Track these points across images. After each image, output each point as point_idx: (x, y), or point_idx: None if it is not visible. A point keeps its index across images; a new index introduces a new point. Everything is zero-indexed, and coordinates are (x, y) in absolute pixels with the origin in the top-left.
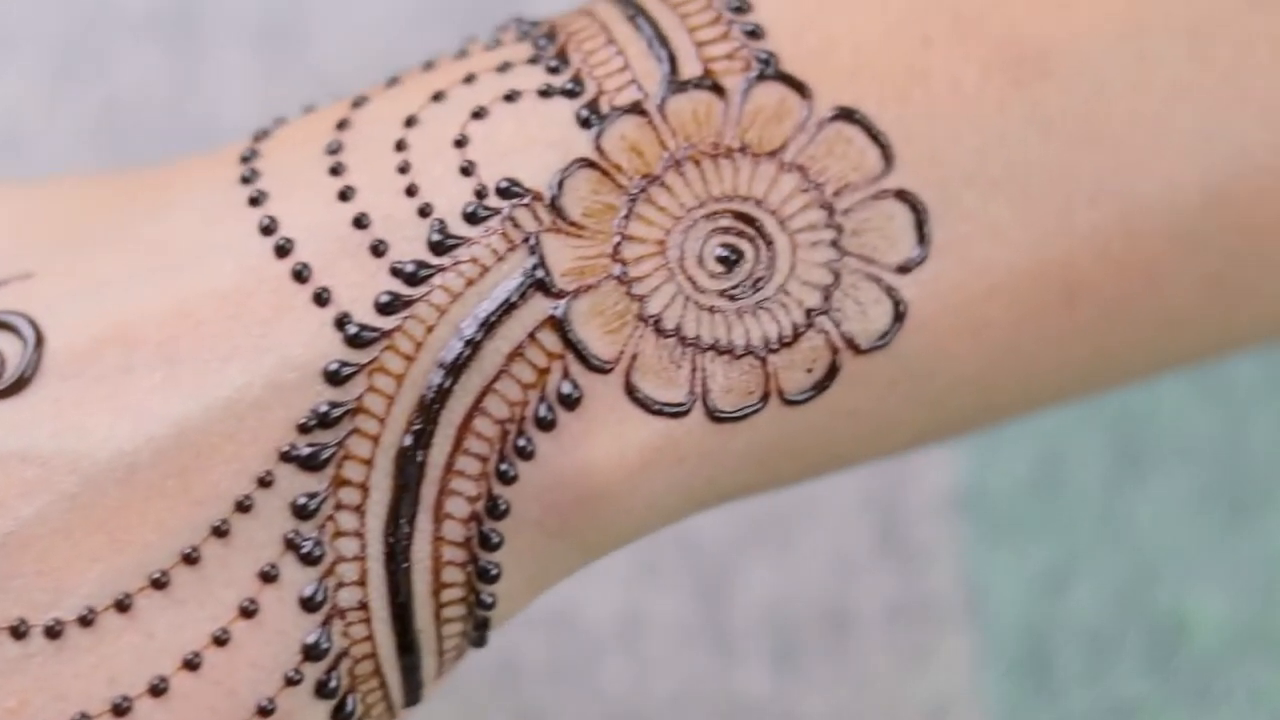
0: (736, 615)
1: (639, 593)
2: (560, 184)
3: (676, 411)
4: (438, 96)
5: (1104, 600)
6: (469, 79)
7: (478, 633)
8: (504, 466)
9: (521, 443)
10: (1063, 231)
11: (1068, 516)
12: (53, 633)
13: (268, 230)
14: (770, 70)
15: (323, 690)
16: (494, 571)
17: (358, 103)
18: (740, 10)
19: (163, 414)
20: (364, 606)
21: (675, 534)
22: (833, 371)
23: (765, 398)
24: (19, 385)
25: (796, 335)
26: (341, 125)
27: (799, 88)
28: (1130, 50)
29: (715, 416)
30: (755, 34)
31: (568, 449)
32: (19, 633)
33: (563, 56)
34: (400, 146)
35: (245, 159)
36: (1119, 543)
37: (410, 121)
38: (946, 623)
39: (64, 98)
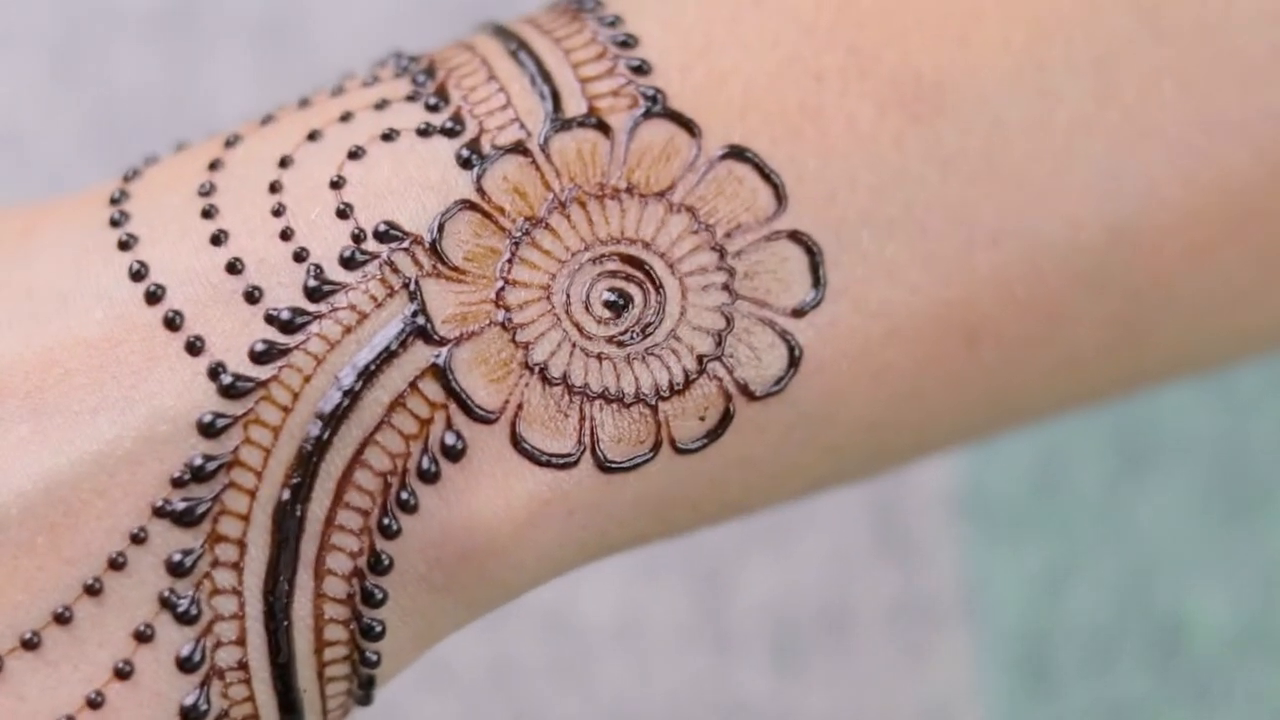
0: (736, 615)
1: (638, 592)
2: (440, 227)
3: (564, 462)
4: (313, 136)
5: (1103, 600)
6: (345, 117)
7: (363, 691)
8: (386, 520)
9: (404, 495)
10: (963, 272)
11: (1067, 516)
12: None
13: (138, 276)
14: (657, 108)
15: None
16: (377, 629)
17: (230, 141)
18: (626, 45)
19: (31, 469)
20: (244, 666)
21: None
22: (726, 419)
23: (656, 447)
24: None
25: (688, 382)
26: (214, 165)
27: (687, 126)
28: (1030, 85)
29: (605, 467)
30: (641, 69)
31: (452, 502)
32: None
33: (442, 94)
34: (274, 188)
35: (115, 200)
36: (1119, 543)
37: (285, 162)
38: (946, 622)
39: (62, 96)
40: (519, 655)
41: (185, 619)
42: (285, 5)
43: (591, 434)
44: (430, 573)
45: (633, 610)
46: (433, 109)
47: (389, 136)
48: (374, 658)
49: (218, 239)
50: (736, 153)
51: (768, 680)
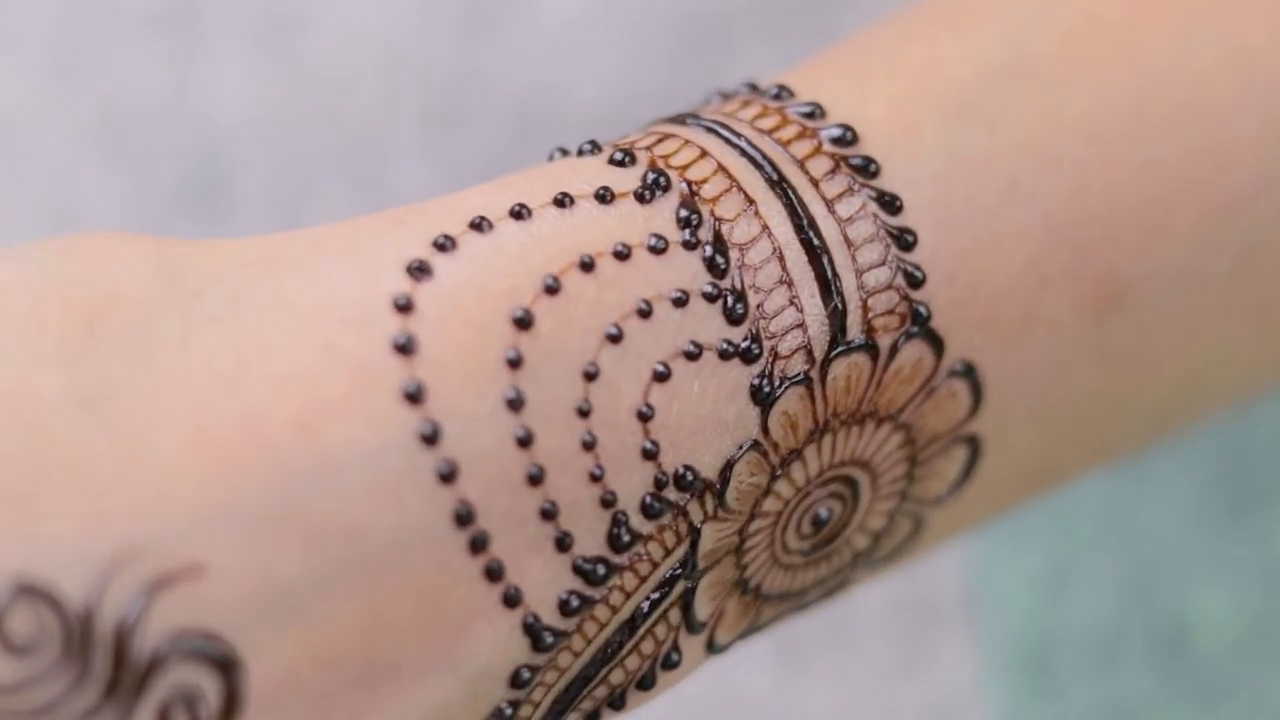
0: None
1: None
2: (728, 473)
3: (726, 647)
4: (615, 336)
5: (1105, 600)
6: (644, 312)
7: None
8: (595, 713)
9: (618, 698)
10: (1093, 458)
11: (1069, 516)
12: None
13: (462, 521)
14: (919, 328)
15: None
16: None
17: (522, 323)
18: (904, 244)
19: None
20: None
21: None
22: (844, 586)
23: (793, 612)
24: None
25: (838, 581)
26: (515, 364)
27: (937, 345)
28: (1190, 275)
29: (740, 638)
30: (914, 280)
31: (646, 698)
32: None
33: (740, 296)
34: (583, 414)
35: (413, 396)
36: (1121, 542)
37: (590, 376)
38: (948, 621)
39: (63, 96)
40: None
41: None
42: (286, 5)
43: (756, 623)
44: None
45: None
46: (732, 319)
47: (692, 355)
48: None
49: (535, 479)
50: (966, 371)
51: (769, 679)
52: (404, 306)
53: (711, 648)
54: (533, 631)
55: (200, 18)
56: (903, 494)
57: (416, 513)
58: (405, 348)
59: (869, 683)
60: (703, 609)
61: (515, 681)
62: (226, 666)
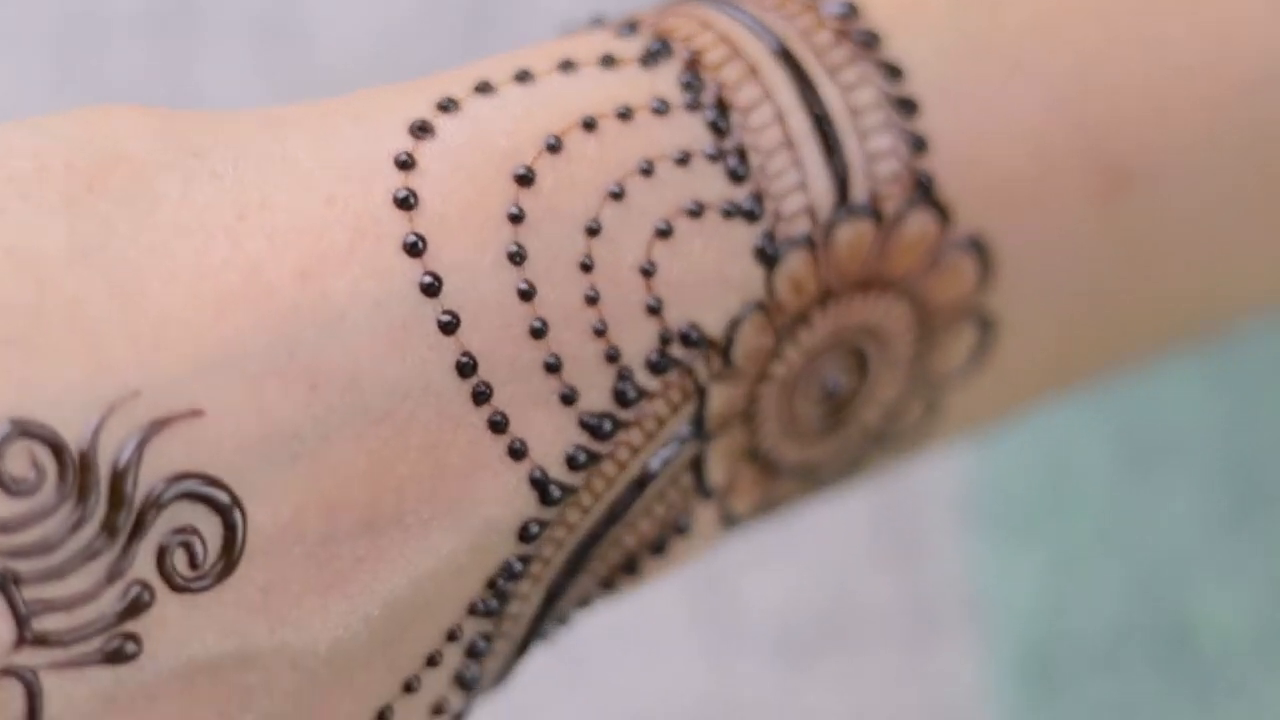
0: (740, 616)
1: (642, 593)
2: (732, 331)
3: (745, 519)
4: (617, 194)
5: (1109, 601)
6: (646, 170)
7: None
8: (612, 580)
9: (633, 563)
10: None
11: (1073, 517)
12: None
13: (464, 371)
14: (924, 196)
15: None
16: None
17: (524, 180)
18: (908, 110)
19: (371, 591)
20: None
21: None
22: (861, 467)
23: (810, 491)
24: (220, 574)
25: (852, 459)
26: (517, 219)
27: (944, 215)
28: (1202, 165)
29: (770, 511)
30: (920, 146)
31: (662, 566)
32: None
33: (742, 155)
34: (586, 268)
35: (414, 249)
36: (1124, 544)
37: (592, 231)
38: (951, 624)
39: (61, 94)
40: None
41: (468, 687)
42: (284, 4)
43: (771, 498)
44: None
45: (636, 611)
46: (735, 178)
47: (694, 213)
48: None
49: (538, 332)
50: (974, 244)
51: (772, 682)
52: (405, 163)
53: (728, 520)
54: (540, 485)
55: (199, 16)
56: (912, 367)
57: (418, 362)
58: (406, 202)
59: (873, 685)
60: (715, 475)
61: (524, 536)
62: (225, 510)
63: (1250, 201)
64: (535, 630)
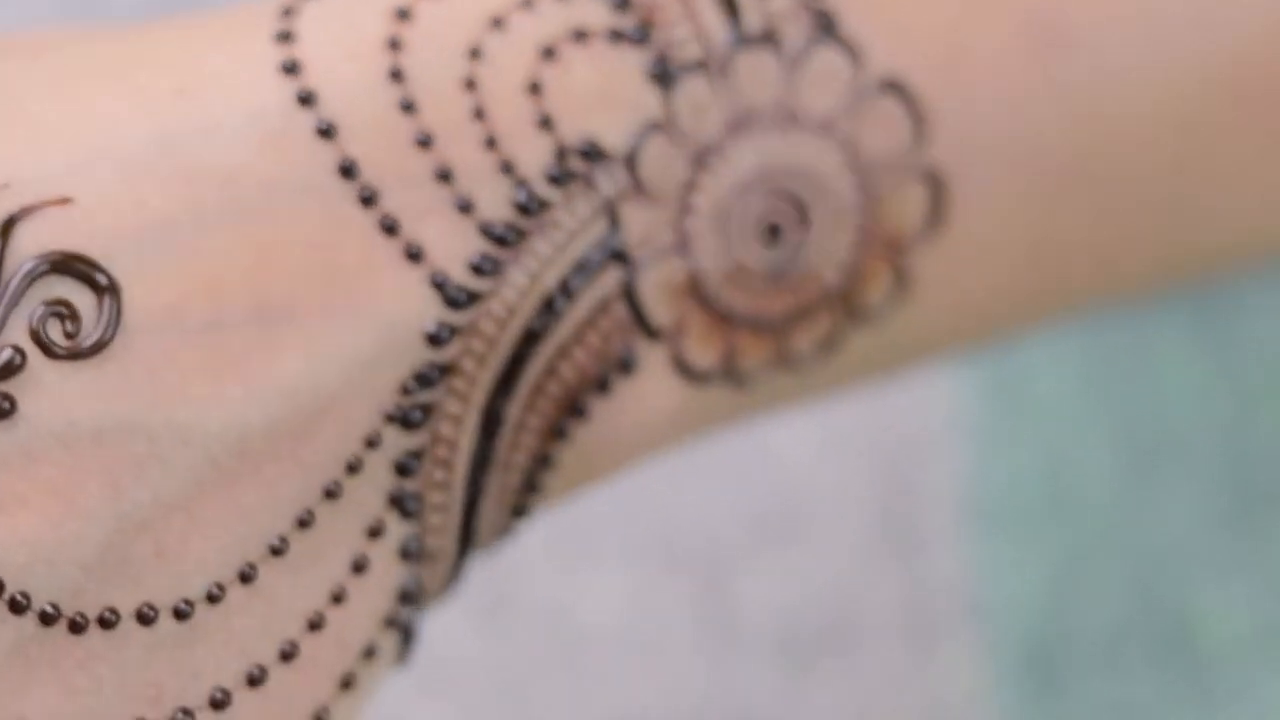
0: (741, 616)
1: (642, 594)
2: (635, 149)
3: (710, 378)
4: (497, 23)
5: (1109, 599)
6: (526, 4)
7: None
8: (561, 424)
9: (579, 404)
10: (1066, 209)
11: (1074, 516)
12: (181, 614)
13: (348, 173)
14: (828, 32)
15: (408, 632)
16: (527, 512)
17: (404, 14)
18: None
19: (266, 378)
20: (444, 554)
21: (680, 534)
22: (838, 345)
23: (782, 366)
24: (100, 346)
25: (815, 310)
26: (396, 45)
27: (853, 51)
28: (1137, 29)
29: (741, 382)
30: None
31: (615, 411)
32: (146, 619)
33: None
34: (470, 86)
35: (290, 70)
36: (1125, 542)
37: (475, 54)
38: (953, 623)
39: None
40: (522, 657)
41: (408, 514)
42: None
43: (733, 353)
44: (579, 466)
45: (637, 611)
46: (619, 7)
47: (580, 37)
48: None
49: (424, 142)
50: (894, 87)
51: (774, 682)
52: (288, 10)
53: (687, 371)
54: (442, 287)
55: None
56: (864, 222)
57: (296, 162)
58: (285, 36)
59: (873, 685)
60: (656, 312)
61: (432, 340)
62: (100, 288)
63: (1189, 69)
64: (480, 482)
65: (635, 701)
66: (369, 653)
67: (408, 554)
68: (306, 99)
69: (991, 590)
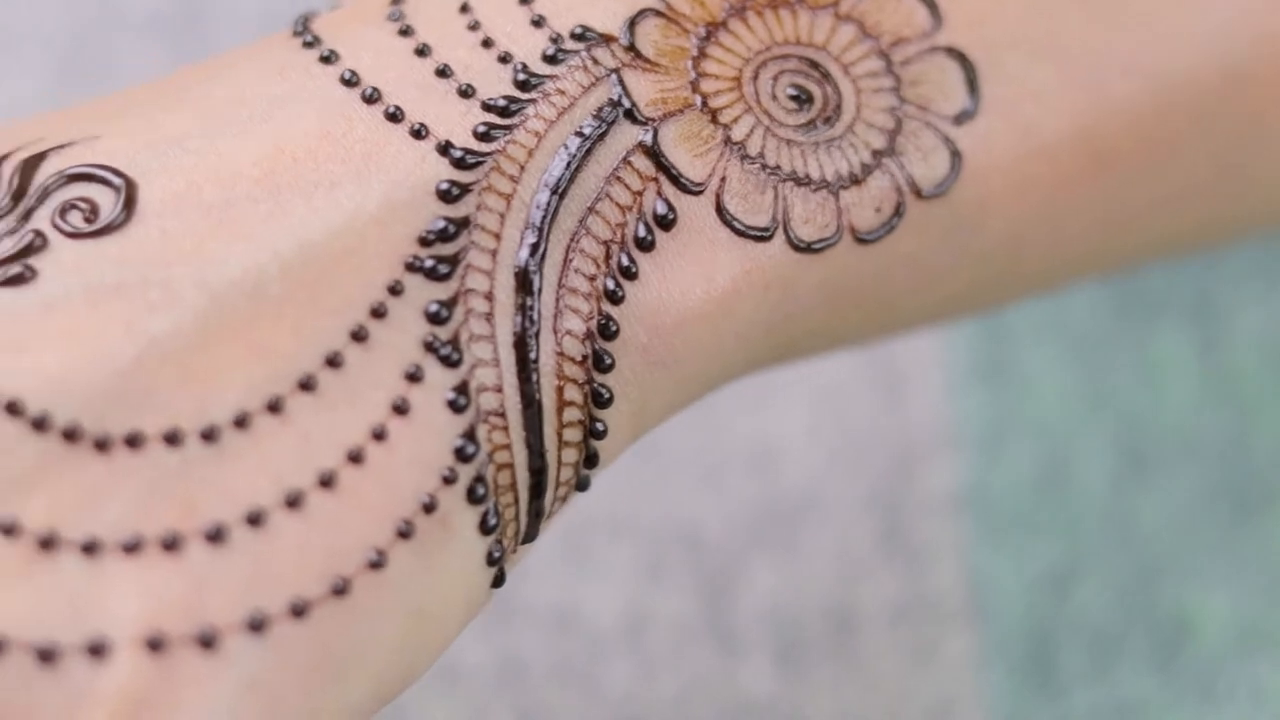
0: (740, 615)
1: (643, 593)
2: (631, 29)
3: (762, 235)
4: None
5: (1108, 600)
6: None
7: (586, 469)
8: (611, 286)
9: (625, 262)
10: (1097, 101)
11: (1072, 516)
12: (209, 436)
13: (350, 82)
14: None
15: (472, 495)
16: (606, 395)
17: None
18: None
19: (281, 234)
20: (502, 414)
21: (680, 534)
22: (899, 211)
23: (839, 232)
24: (115, 226)
25: (865, 174)
26: None
27: None
28: None
29: (796, 245)
30: None
31: (667, 270)
32: (174, 440)
33: None
34: (465, 9)
35: (300, 33)
36: (1123, 542)
37: None
38: (950, 622)
39: (68, 98)
40: (525, 656)
41: (449, 363)
42: (288, 6)
43: (784, 212)
44: (650, 342)
45: (638, 611)
46: None
47: None
48: (601, 428)
49: (421, 51)
50: None
51: (772, 681)
52: None
53: (734, 226)
54: (449, 152)
55: (202, 19)
56: (896, 93)
57: (301, 82)
58: None
59: (873, 683)
60: (686, 164)
61: (446, 197)
62: (118, 186)
63: None
64: (531, 344)
65: (636, 700)
66: (429, 507)
67: (458, 407)
68: (311, 42)
69: (990, 590)
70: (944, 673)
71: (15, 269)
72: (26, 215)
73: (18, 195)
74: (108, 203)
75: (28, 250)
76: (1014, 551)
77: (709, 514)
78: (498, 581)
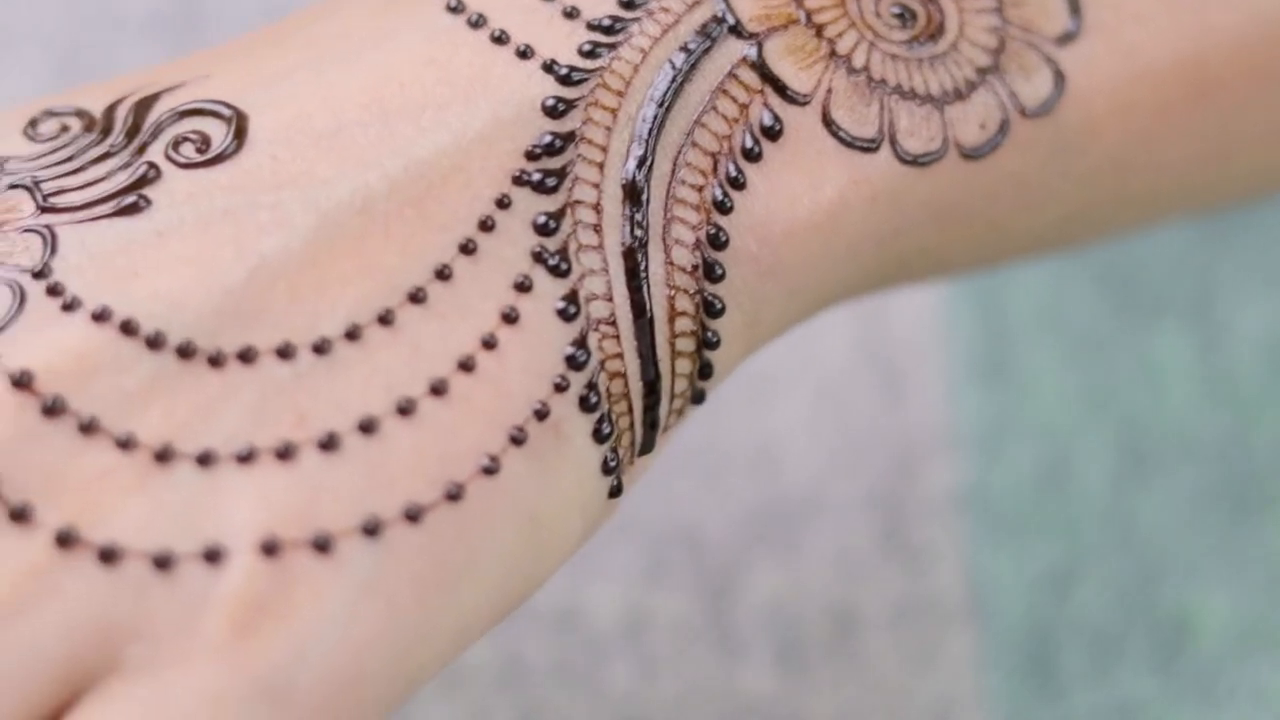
0: (741, 615)
1: (644, 593)
2: None
3: (869, 146)
4: None
5: (1108, 600)
6: None
7: (701, 380)
8: (719, 196)
9: (732, 173)
10: (1200, 29)
11: (1072, 516)
12: (320, 349)
13: (455, 9)
14: None
15: (585, 403)
16: (718, 305)
17: None
18: None
19: (388, 155)
20: (612, 323)
21: (680, 533)
22: (1004, 129)
23: (945, 145)
24: (225, 155)
25: (970, 90)
26: None
27: None
28: None
29: (902, 158)
30: None
31: (774, 180)
32: (285, 353)
33: None
34: None
35: None
36: (1123, 542)
37: None
38: (950, 622)
39: None
40: (526, 656)
41: (558, 272)
42: (287, 7)
43: (890, 125)
44: (760, 251)
45: (639, 612)
46: None
47: None
48: (714, 338)
49: None
50: None
51: (773, 681)
52: None
53: (841, 137)
54: (554, 69)
55: (204, 19)
56: (999, 12)
57: (408, 13)
58: None
59: (873, 684)
60: (792, 76)
61: (552, 112)
62: (228, 117)
63: None
64: (640, 254)
65: (637, 700)
66: (542, 414)
67: (568, 315)
68: None
69: (990, 590)
70: (944, 673)
71: (130, 199)
72: (141, 150)
73: (131, 132)
74: (218, 134)
75: (141, 181)
76: (1014, 551)
77: (709, 514)
78: (615, 492)
